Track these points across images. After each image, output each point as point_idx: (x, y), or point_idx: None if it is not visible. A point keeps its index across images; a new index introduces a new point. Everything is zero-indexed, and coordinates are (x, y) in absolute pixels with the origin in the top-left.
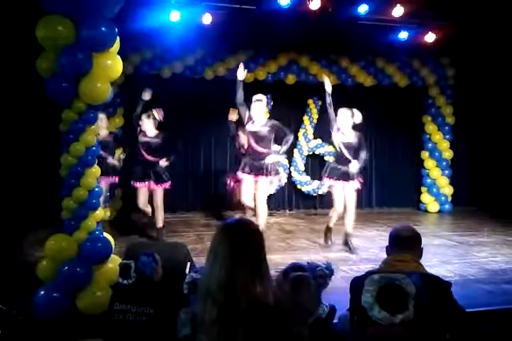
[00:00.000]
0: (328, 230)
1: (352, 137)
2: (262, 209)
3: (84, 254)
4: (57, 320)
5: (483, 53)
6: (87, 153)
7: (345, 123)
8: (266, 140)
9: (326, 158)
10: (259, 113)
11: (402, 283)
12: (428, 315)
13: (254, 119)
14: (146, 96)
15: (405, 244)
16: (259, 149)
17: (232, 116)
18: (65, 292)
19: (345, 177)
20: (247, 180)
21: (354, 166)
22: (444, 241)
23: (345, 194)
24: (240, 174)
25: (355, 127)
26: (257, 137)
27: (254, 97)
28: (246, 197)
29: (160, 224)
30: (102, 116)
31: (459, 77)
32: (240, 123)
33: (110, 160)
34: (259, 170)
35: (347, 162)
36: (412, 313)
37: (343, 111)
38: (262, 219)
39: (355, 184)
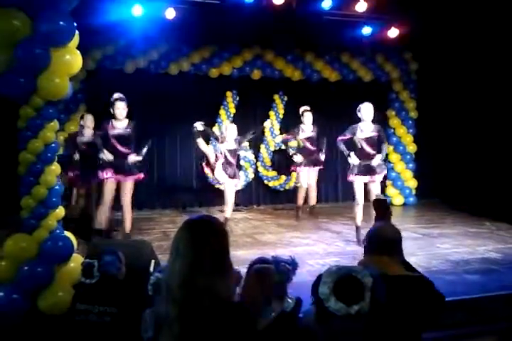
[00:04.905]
0: (358, 229)
1: (371, 131)
2: None
3: (45, 254)
4: (18, 321)
5: (445, 48)
6: (47, 150)
7: (369, 116)
8: (315, 140)
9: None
10: (309, 121)
11: (359, 274)
12: (386, 312)
13: (305, 128)
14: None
15: (389, 246)
16: (312, 148)
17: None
18: (26, 292)
19: (369, 171)
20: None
21: (377, 160)
22: (408, 233)
23: (370, 188)
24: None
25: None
26: (311, 140)
27: (303, 108)
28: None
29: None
30: (89, 117)
31: (422, 71)
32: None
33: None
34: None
35: (369, 157)
36: (368, 305)
37: (367, 105)
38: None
39: (379, 177)
